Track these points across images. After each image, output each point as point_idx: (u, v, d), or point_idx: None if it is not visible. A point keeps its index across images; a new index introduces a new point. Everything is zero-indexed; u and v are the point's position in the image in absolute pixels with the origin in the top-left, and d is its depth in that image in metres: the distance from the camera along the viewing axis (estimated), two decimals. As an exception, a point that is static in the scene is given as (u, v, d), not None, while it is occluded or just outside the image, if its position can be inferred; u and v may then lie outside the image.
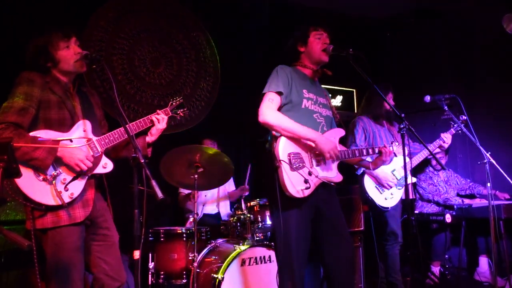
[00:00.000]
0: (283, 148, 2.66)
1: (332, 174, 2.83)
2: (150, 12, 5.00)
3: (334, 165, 2.85)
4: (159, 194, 2.00)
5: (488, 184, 3.77)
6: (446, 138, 4.02)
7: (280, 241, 2.65)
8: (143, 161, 2.07)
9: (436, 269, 4.82)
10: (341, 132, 2.93)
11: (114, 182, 2.68)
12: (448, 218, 4.53)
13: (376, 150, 3.02)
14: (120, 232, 2.76)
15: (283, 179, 2.60)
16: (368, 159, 3.25)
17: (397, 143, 3.28)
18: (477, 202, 4.80)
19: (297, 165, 2.66)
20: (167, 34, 5.10)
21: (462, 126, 3.97)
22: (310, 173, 2.67)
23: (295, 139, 2.71)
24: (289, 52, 2.94)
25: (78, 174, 2.34)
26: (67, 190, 2.30)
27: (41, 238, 2.31)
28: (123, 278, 2.52)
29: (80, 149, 2.35)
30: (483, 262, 4.82)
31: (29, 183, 2.22)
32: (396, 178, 3.76)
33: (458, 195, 5.19)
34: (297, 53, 2.91)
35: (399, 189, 3.80)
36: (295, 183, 2.63)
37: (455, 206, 4.74)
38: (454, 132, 4.05)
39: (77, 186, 2.35)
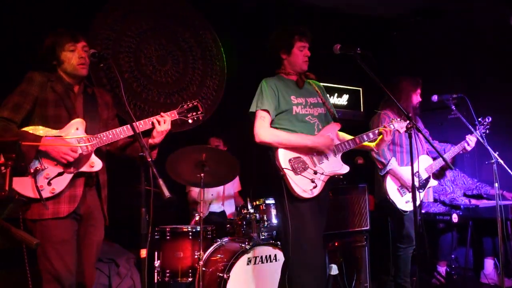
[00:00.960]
0: (283, 156, 2.74)
1: (338, 167, 2.89)
2: (156, 11, 5.00)
3: (338, 158, 2.91)
4: (166, 193, 2.00)
5: (496, 184, 3.74)
6: (471, 141, 3.93)
7: (289, 241, 2.67)
8: (150, 159, 2.07)
9: (442, 269, 4.79)
10: (337, 126, 2.98)
11: (114, 181, 2.69)
12: (454, 218, 4.50)
13: (376, 131, 3.05)
14: (125, 231, 2.77)
15: (290, 185, 2.68)
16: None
17: (398, 119, 3.25)
18: (484, 203, 4.77)
19: (301, 168, 2.72)
20: (174, 33, 5.10)
21: (486, 129, 3.92)
22: (315, 172, 2.72)
23: None
24: (271, 56, 2.99)
25: (63, 170, 2.36)
26: (49, 185, 2.33)
27: (32, 228, 2.35)
28: (93, 279, 2.53)
29: (65, 142, 2.37)
30: (489, 264, 4.79)
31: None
32: (420, 179, 3.70)
33: (465, 195, 5.15)
34: (279, 59, 2.96)
35: (420, 191, 3.73)
36: (302, 186, 2.69)
37: (461, 206, 4.71)
38: (479, 135, 3.95)
39: (61, 183, 2.37)
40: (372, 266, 4.31)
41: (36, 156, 2.31)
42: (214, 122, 5.24)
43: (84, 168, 2.44)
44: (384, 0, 5.77)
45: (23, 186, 2.27)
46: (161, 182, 2.01)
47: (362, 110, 6.38)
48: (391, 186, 3.70)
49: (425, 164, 3.78)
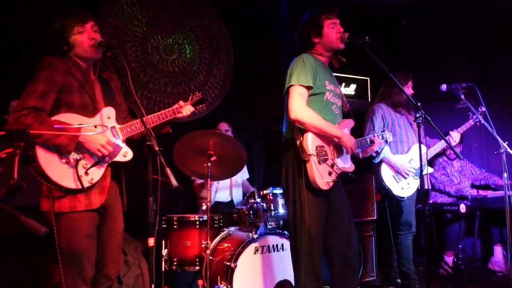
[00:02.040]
0: (312, 142, 2.67)
1: (348, 164, 2.91)
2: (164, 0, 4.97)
3: (349, 156, 2.93)
4: (174, 182, 2.00)
5: (505, 174, 3.73)
6: (454, 136, 3.99)
7: (302, 231, 2.65)
8: (157, 149, 2.08)
9: (449, 259, 4.79)
10: (351, 123, 2.97)
11: (129, 170, 2.69)
12: (462, 208, 4.49)
13: (368, 141, 3.13)
14: (133, 220, 2.77)
15: (312, 172, 2.61)
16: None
17: (387, 131, 3.36)
18: (492, 193, 4.74)
19: (324, 157, 2.70)
20: (180, 21, 5.07)
21: (481, 117, 3.92)
22: (333, 165, 2.72)
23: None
24: (302, 41, 2.88)
25: (98, 160, 2.36)
26: (87, 175, 2.33)
27: (55, 221, 2.31)
28: (117, 269, 2.55)
29: (102, 134, 2.36)
30: (498, 251, 4.79)
31: (53, 166, 2.25)
32: (413, 168, 3.75)
33: (473, 185, 5.13)
34: (312, 43, 2.84)
35: (415, 179, 3.78)
36: (323, 175, 2.67)
37: (469, 197, 4.70)
38: (473, 123, 4.02)
39: (97, 172, 2.37)
40: (379, 255, 4.32)
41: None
42: (221, 111, 5.23)
43: (118, 158, 2.44)
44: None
45: (63, 176, 2.26)
46: (168, 171, 2.02)
47: (369, 100, 6.33)
48: (386, 173, 3.76)
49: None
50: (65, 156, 2.27)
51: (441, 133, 2.83)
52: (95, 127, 2.35)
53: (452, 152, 4.86)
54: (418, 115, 2.67)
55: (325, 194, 2.75)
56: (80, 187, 2.27)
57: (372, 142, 3.15)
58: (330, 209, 2.80)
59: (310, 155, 2.61)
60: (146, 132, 2.14)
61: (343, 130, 2.83)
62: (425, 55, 6.08)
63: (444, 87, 3.82)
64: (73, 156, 2.29)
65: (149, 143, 2.08)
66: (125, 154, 2.47)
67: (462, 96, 3.80)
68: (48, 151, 2.24)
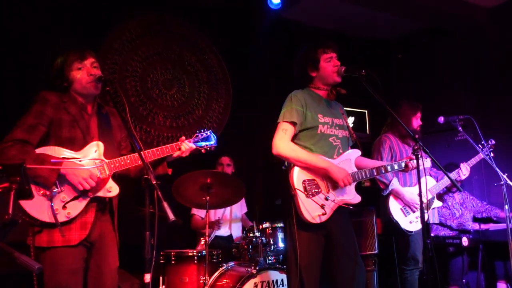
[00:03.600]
0: (298, 176, 2.67)
1: (350, 196, 2.80)
2: (164, 35, 5.06)
3: (351, 187, 2.83)
4: (171, 216, 1.97)
5: (506, 207, 3.69)
6: (464, 169, 3.96)
7: (293, 265, 2.63)
8: (154, 182, 2.06)
9: (453, 294, 4.69)
10: (357, 153, 2.92)
11: (127, 204, 2.66)
12: (464, 241, 4.42)
13: (403, 165, 2.96)
14: (133, 255, 2.72)
15: (299, 207, 2.61)
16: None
17: (425, 157, 3.29)
18: (494, 225, 4.69)
19: (313, 191, 2.66)
20: (180, 57, 5.15)
21: (490, 151, 3.91)
22: (326, 198, 2.67)
23: None
24: (300, 77, 2.91)
25: (79, 194, 2.30)
26: (65, 209, 2.26)
27: (39, 256, 2.28)
28: None
29: (85, 168, 2.32)
30: None
31: None
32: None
33: (474, 218, 5.07)
34: (309, 77, 2.88)
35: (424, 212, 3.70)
36: (311, 210, 2.63)
37: (471, 230, 4.64)
38: (483, 156, 3.98)
39: (77, 207, 2.31)
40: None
41: None
42: (221, 144, 5.22)
43: (101, 193, 2.39)
44: (387, 22, 5.82)
45: (38, 209, 2.21)
46: (165, 205, 1.99)
47: (368, 132, 6.36)
48: (394, 206, 3.68)
49: (429, 185, 3.76)
50: (42, 187, 2.23)
51: (439, 164, 2.82)
52: (79, 160, 2.33)
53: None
54: (416, 147, 2.67)
55: (322, 227, 2.69)
56: (54, 221, 2.22)
57: (406, 166, 2.95)
58: (331, 242, 2.75)
59: (295, 189, 2.62)
60: (143, 165, 2.12)
61: (333, 162, 2.75)
62: (423, 87, 6.15)
63: (441, 119, 3.83)
64: (51, 188, 2.25)
65: (146, 176, 2.06)
66: (110, 189, 2.41)
67: (460, 128, 3.81)
68: None
